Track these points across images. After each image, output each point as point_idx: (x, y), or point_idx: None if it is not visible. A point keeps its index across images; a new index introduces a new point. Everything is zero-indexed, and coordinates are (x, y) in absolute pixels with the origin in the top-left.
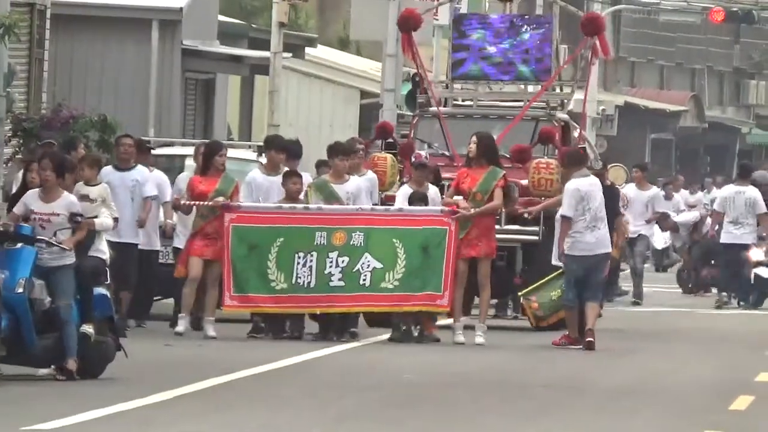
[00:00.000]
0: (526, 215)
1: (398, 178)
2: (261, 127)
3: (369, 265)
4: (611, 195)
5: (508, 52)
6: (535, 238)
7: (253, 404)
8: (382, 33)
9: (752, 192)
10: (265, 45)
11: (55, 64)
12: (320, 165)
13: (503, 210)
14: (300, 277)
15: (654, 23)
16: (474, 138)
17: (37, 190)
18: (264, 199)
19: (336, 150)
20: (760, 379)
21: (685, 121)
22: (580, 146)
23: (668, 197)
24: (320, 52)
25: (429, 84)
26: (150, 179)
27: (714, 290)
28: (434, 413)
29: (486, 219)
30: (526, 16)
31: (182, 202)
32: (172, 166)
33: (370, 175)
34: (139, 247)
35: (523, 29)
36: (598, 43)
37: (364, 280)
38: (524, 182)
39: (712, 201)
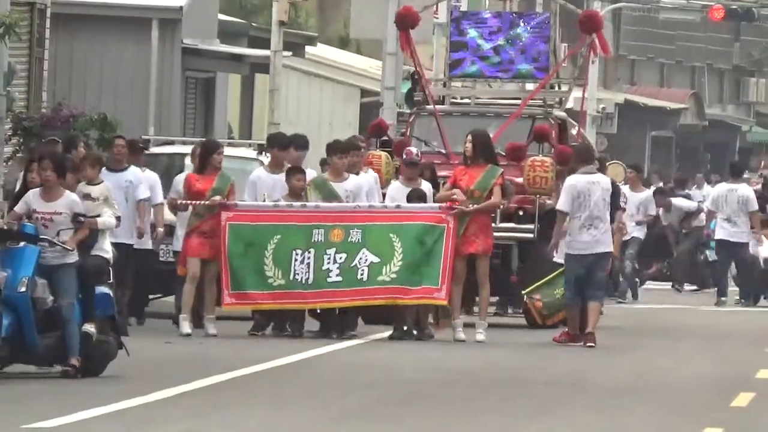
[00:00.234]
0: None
1: (394, 175)
2: (261, 126)
3: (366, 260)
4: (612, 191)
5: (503, 47)
6: (531, 235)
7: (254, 402)
8: (382, 31)
9: (745, 190)
10: (265, 44)
11: (55, 63)
12: (324, 163)
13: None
14: (298, 274)
15: (654, 21)
16: (469, 137)
17: (38, 189)
18: (268, 197)
19: (334, 148)
20: (760, 376)
21: (685, 119)
22: (573, 144)
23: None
24: (320, 50)
25: (426, 82)
26: (143, 180)
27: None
28: (435, 411)
29: (483, 216)
30: (523, 14)
31: (179, 201)
32: (172, 165)
33: (371, 173)
34: (134, 246)
35: (520, 27)
36: (596, 40)
37: (361, 275)
38: (519, 180)
39: (704, 197)
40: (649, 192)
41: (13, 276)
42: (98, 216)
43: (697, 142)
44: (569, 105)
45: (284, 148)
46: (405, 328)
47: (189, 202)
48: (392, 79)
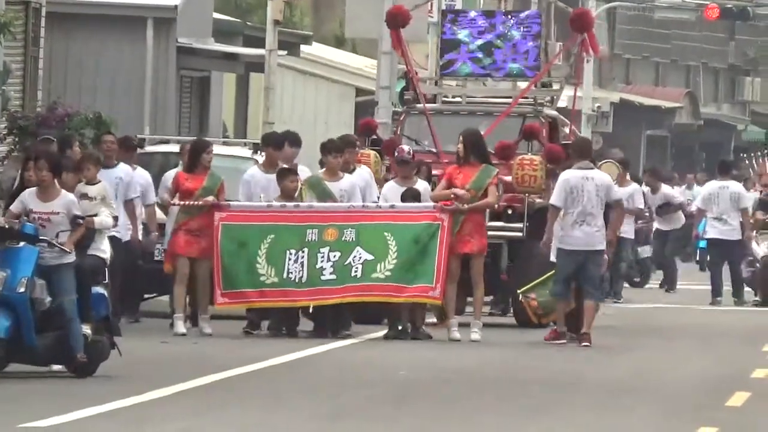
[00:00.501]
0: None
1: (383, 174)
2: (256, 125)
3: (361, 258)
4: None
5: (496, 46)
6: (520, 234)
7: (249, 401)
8: (378, 30)
9: (736, 186)
10: (260, 43)
11: (51, 62)
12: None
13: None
14: (291, 273)
15: (649, 20)
16: (460, 137)
17: (34, 189)
18: (264, 197)
19: (329, 147)
20: (756, 376)
21: (681, 118)
22: (564, 142)
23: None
24: (315, 49)
25: (416, 80)
26: (134, 178)
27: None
28: (430, 410)
29: (478, 215)
30: (513, 12)
31: (173, 201)
32: (167, 164)
33: (365, 171)
34: (124, 240)
35: (509, 24)
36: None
37: (355, 272)
38: (508, 179)
39: (694, 197)
40: (635, 186)
41: (12, 276)
42: (95, 215)
43: (692, 142)
44: (564, 104)
45: (279, 147)
46: (400, 327)
47: (183, 202)
48: (387, 78)
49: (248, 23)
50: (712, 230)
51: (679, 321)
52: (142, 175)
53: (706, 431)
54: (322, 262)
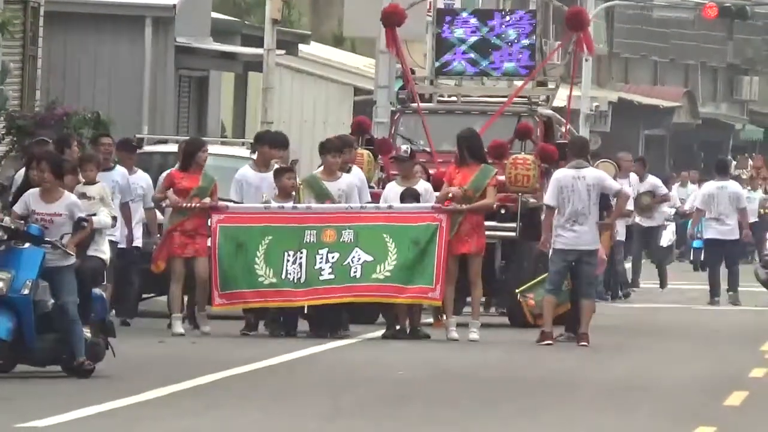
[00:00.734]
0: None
1: (378, 176)
2: (255, 124)
3: (360, 259)
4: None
5: (492, 44)
6: (513, 234)
7: (247, 401)
8: (376, 30)
9: (734, 187)
10: (258, 42)
11: (49, 61)
12: None
13: None
14: (290, 273)
15: (647, 19)
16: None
17: (36, 190)
18: (255, 196)
19: (328, 147)
20: (753, 375)
21: (679, 118)
22: (559, 141)
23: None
24: (313, 48)
25: (411, 79)
26: (132, 181)
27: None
28: (428, 409)
29: (476, 216)
30: (508, 11)
31: (171, 201)
32: (165, 164)
33: (357, 173)
34: (119, 246)
35: (504, 22)
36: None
37: (355, 272)
38: (501, 178)
39: (688, 195)
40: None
41: (17, 277)
42: (93, 215)
43: (690, 141)
44: (562, 103)
45: (272, 146)
46: (398, 327)
47: (182, 202)
48: (386, 77)
49: (246, 22)
50: (710, 230)
51: (677, 320)
52: (142, 178)
53: (704, 430)
54: (320, 262)
